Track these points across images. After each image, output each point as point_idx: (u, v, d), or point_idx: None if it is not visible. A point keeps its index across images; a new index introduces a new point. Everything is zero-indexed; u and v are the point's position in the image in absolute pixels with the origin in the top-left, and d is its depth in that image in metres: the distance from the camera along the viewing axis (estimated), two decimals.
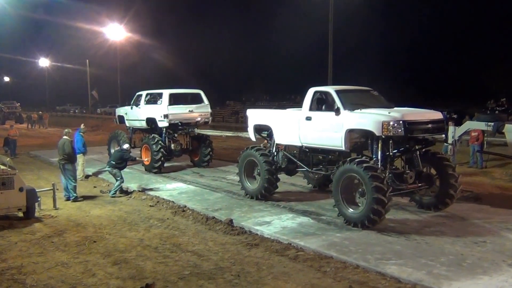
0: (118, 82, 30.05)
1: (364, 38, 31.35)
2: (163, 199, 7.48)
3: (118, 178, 7.95)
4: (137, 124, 11.01)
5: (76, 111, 45.29)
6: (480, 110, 20.55)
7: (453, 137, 10.39)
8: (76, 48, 41.74)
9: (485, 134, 10.76)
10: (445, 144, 11.04)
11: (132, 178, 9.61)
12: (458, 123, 11.94)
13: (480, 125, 9.76)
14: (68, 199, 7.52)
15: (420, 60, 33.19)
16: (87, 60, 37.10)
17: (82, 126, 9.60)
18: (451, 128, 10.69)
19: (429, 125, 5.96)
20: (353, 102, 6.20)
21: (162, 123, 9.99)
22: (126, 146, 8.43)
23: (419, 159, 6.27)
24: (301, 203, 7.03)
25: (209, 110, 10.56)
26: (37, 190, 6.64)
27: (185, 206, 6.94)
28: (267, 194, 7.17)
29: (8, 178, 6.15)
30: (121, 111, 11.91)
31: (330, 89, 6.43)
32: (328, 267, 4.45)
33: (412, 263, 4.45)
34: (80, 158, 9.04)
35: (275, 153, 7.37)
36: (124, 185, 8.71)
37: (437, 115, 6.22)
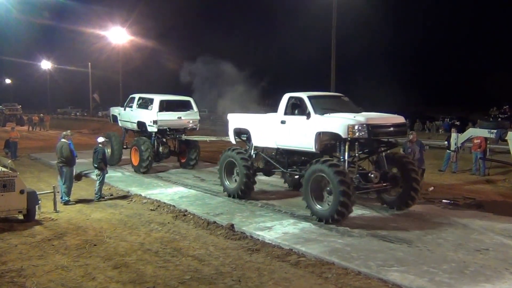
0: (120, 85, 30.24)
1: (368, 45, 31.61)
2: (164, 203, 7.49)
3: (98, 180, 7.85)
4: (129, 125, 11.57)
5: (78, 113, 45.51)
6: (483, 117, 20.59)
7: (455, 144, 10.41)
8: (78, 50, 42.14)
9: (488, 141, 10.78)
10: (448, 151, 11.08)
11: (133, 181, 9.65)
12: (461, 130, 11.96)
13: (483, 132, 9.78)
14: (66, 203, 7.49)
15: (424, 67, 33.39)
16: (89, 63, 37.43)
17: (68, 132, 9.36)
18: (453, 135, 10.71)
19: (391, 129, 6.48)
20: (324, 107, 6.73)
21: (152, 128, 10.55)
22: (100, 139, 8.10)
23: (385, 161, 6.76)
24: (303, 208, 6.97)
25: (198, 117, 11.09)
26: (37, 193, 6.65)
27: (186, 211, 6.94)
28: (245, 193, 7.60)
29: (9, 180, 6.17)
30: (115, 111, 12.46)
31: (303, 95, 6.91)
32: (329, 273, 4.44)
33: (414, 270, 4.45)
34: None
35: (254, 155, 7.81)
36: (125, 189, 8.76)
37: (399, 119, 6.74)
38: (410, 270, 4.44)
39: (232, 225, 6.03)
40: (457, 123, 18.85)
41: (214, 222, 6.26)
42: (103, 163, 7.95)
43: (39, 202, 6.64)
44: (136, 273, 4.49)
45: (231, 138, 8.31)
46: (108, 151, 11.11)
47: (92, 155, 8.14)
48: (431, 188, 8.66)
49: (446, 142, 11.38)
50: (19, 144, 14.54)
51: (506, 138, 8.96)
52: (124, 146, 11.52)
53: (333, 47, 18.15)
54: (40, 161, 13.17)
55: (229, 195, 7.77)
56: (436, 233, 5.71)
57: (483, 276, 4.30)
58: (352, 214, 6.58)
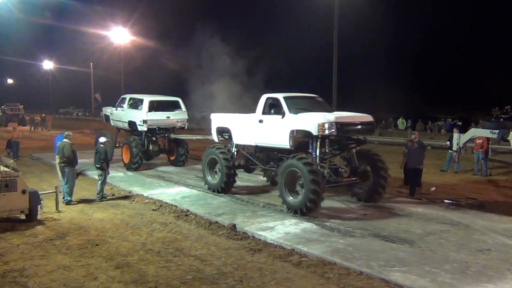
0: (122, 85, 30.29)
1: (370, 44, 31.54)
2: (166, 203, 7.49)
3: (100, 180, 7.88)
4: (120, 125, 12.15)
5: (79, 114, 45.59)
6: (485, 118, 20.49)
7: (457, 144, 10.38)
8: (80, 50, 42.23)
9: (490, 142, 10.75)
10: (450, 151, 11.05)
11: (135, 181, 9.66)
12: (463, 130, 11.93)
13: (485, 133, 9.76)
14: (68, 203, 7.51)
15: (426, 67, 33.29)
16: (91, 63, 37.50)
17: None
18: (455, 135, 10.69)
19: (359, 126, 6.96)
20: (298, 107, 7.18)
21: (142, 127, 11.08)
22: (101, 139, 8.17)
23: (355, 157, 7.27)
24: None
25: (186, 116, 11.62)
26: (39, 193, 6.67)
27: (188, 210, 6.95)
28: (226, 188, 8.07)
29: (11, 180, 6.19)
30: (107, 110, 13.04)
31: (279, 96, 7.37)
32: (331, 273, 4.44)
33: (416, 270, 4.45)
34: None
35: (235, 152, 8.27)
36: (127, 189, 8.77)
37: (367, 118, 7.23)
38: (412, 270, 4.43)
39: (234, 225, 6.04)
40: (459, 123, 18.75)
41: (216, 222, 6.27)
42: (105, 164, 7.98)
43: (41, 202, 6.65)
44: (138, 273, 4.49)
45: (214, 136, 8.78)
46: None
47: (94, 155, 8.15)
48: (433, 188, 8.64)
49: (448, 142, 11.36)
50: (21, 144, 14.59)
51: (508, 138, 8.95)
52: (116, 145, 12.01)
53: (335, 47, 18.13)
54: (42, 161, 13.21)
55: (211, 190, 8.26)
56: (438, 233, 5.70)
57: (485, 277, 4.29)
58: (353, 215, 6.67)
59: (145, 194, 8.22)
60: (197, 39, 11.86)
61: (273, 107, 7.43)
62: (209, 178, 8.40)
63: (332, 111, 7.60)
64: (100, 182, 7.94)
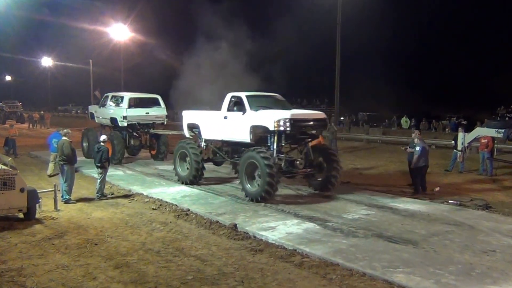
0: (122, 83, 30.26)
1: (373, 42, 31.36)
2: (166, 202, 7.48)
3: (100, 179, 7.89)
4: (104, 121, 13.07)
5: (78, 111, 45.55)
6: (490, 117, 20.39)
7: (462, 144, 10.34)
8: (79, 47, 42.14)
9: (495, 141, 10.69)
10: (455, 150, 11.01)
11: (135, 180, 9.66)
12: (468, 129, 11.88)
13: (490, 132, 9.72)
14: (67, 202, 7.51)
15: (430, 64, 33.06)
16: (90, 60, 37.46)
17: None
18: (460, 135, 10.65)
19: (312, 123, 7.82)
20: (258, 105, 7.99)
21: (122, 123, 11.99)
22: (102, 137, 8.27)
23: (311, 150, 8.12)
24: (307, 208, 7.01)
25: (165, 113, 12.54)
26: (38, 191, 6.65)
27: (189, 210, 6.94)
28: (195, 180, 8.85)
29: (9, 178, 6.16)
30: (92, 109, 14.10)
31: (242, 94, 8.18)
32: (334, 274, 4.43)
33: (420, 271, 4.43)
34: (52, 156, 9.79)
35: (204, 147, 9.11)
36: (127, 188, 8.76)
37: (320, 115, 8.15)
38: (416, 272, 4.42)
39: (235, 225, 6.03)
40: (464, 122, 18.72)
41: (217, 222, 6.26)
42: (107, 163, 7.99)
43: (40, 200, 6.64)
44: (138, 273, 4.48)
45: (185, 132, 9.57)
46: (85, 145, 12.77)
47: (94, 154, 8.14)
48: (437, 189, 8.62)
49: (453, 142, 11.31)
50: (18, 142, 14.59)
51: None
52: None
53: (338, 44, 18.04)
54: (41, 159, 13.18)
55: (182, 182, 9.00)
56: (442, 234, 5.68)
57: (490, 278, 4.27)
58: (357, 215, 6.65)
59: (145, 193, 8.21)
60: (195, 35, 12.01)
61: (236, 105, 8.21)
62: (179, 169, 9.17)
63: (289, 108, 8.26)
64: (99, 180, 7.94)
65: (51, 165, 10.18)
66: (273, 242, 5.41)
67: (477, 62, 30.24)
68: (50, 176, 10.06)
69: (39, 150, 14.98)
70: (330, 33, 19.23)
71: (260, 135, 7.79)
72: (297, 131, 7.58)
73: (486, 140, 10.48)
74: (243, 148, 8.04)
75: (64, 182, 7.61)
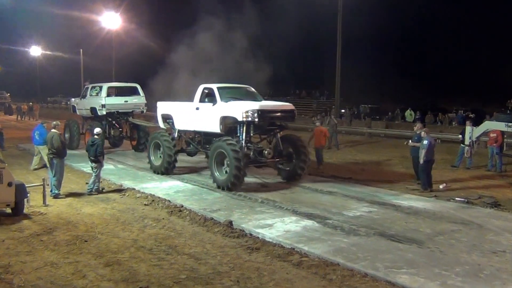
0: (113, 73, 30.02)
1: (376, 31, 30.89)
2: (159, 197, 7.46)
3: (95, 174, 7.86)
4: (85, 113, 13.66)
5: (68, 103, 45.17)
6: (499, 110, 20.29)
7: (470, 138, 10.28)
8: (70, 37, 41.67)
9: (505, 136, 10.63)
10: (462, 145, 10.95)
11: (127, 175, 9.65)
12: (476, 123, 11.79)
13: (500, 126, 9.64)
14: (55, 196, 7.47)
15: (435, 55, 32.67)
16: (81, 50, 37.09)
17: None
18: (468, 129, 10.55)
19: (279, 114, 8.46)
20: (229, 96, 8.50)
21: (101, 112, 12.58)
22: (97, 130, 8.25)
23: (279, 140, 8.74)
24: (306, 205, 6.99)
25: (144, 101, 13.08)
26: (26, 185, 6.61)
27: (182, 206, 6.92)
28: (167, 170, 9.35)
29: None
30: (74, 101, 14.76)
31: (213, 86, 8.72)
32: (334, 274, 4.40)
33: (425, 272, 4.40)
34: (42, 150, 9.62)
35: (178, 137, 9.65)
36: (118, 183, 8.70)
37: (288, 106, 8.76)
38: (421, 273, 4.39)
39: (231, 222, 6.01)
40: (472, 115, 18.61)
41: (212, 219, 6.24)
42: (102, 157, 7.96)
43: (28, 195, 6.60)
44: (129, 271, 4.46)
45: (160, 123, 10.06)
46: (67, 136, 13.25)
47: (88, 147, 8.06)
48: (443, 185, 8.59)
49: (460, 136, 11.25)
50: (6, 134, 14.51)
51: None
52: (82, 132, 13.53)
53: (339, 32, 17.81)
54: (29, 151, 13.09)
55: (155, 172, 9.52)
56: (448, 233, 5.66)
57: (499, 280, 4.25)
58: (358, 212, 6.63)
59: (137, 188, 8.19)
60: (188, 25, 12.03)
61: (208, 96, 8.75)
62: (152, 158, 9.70)
63: (260, 100, 8.79)
64: (94, 175, 7.90)
65: (35, 159, 10.18)
66: (270, 240, 5.39)
67: (485, 52, 29.82)
68: (34, 169, 10.01)
69: (27, 142, 14.83)
70: (331, 20, 18.97)
71: (230, 125, 8.30)
72: (265, 122, 8.14)
73: (495, 135, 10.42)
74: (214, 139, 8.48)
75: (53, 176, 7.56)
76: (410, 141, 9.11)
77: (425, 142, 8.22)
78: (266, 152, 8.32)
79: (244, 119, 7.85)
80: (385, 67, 31.42)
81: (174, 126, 9.65)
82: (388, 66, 31.67)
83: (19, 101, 38.07)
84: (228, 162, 7.75)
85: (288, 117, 8.56)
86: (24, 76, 53.12)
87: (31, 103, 32.23)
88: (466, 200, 7.46)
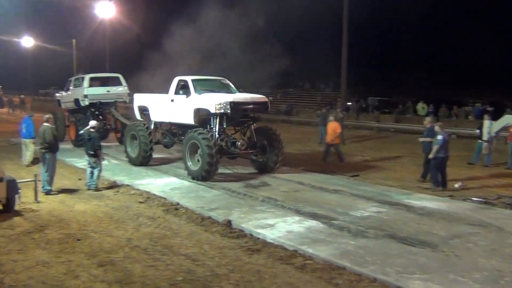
0: (108, 65, 30.00)
1: (385, 18, 30.28)
2: (154, 195, 7.46)
3: (97, 168, 7.88)
4: (69, 105, 14.03)
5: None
6: None
7: (488, 133, 10.09)
8: (63, 27, 41.60)
9: None
10: (479, 141, 10.77)
11: (121, 170, 9.66)
12: (495, 117, 11.56)
13: None
14: (47, 193, 7.48)
15: (450, 43, 32.01)
16: (73, 40, 37.08)
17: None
18: (486, 123, 10.38)
19: (251, 106, 8.86)
20: (203, 88, 8.96)
21: (84, 102, 12.99)
22: (92, 123, 8.27)
23: (253, 132, 9.17)
24: (310, 204, 6.93)
25: (127, 91, 13.44)
26: (17, 181, 6.63)
27: (178, 204, 6.91)
28: (144, 162, 9.85)
29: None
30: (58, 95, 15.22)
31: (188, 78, 9.16)
32: (340, 279, 4.35)
33: (440, 278, 4.32)
34: (30, 144, 10.01)
35: (154, 129, 10.08)
36: (112, 179, 8.69)
37: (261, 99, 9.10)
38: (435, 279, 4.31)
39: (230, 221, 5.97)
40: (490, 108, 18.27)
41: (209, 218, 6.21)
42: (100, 150, 7.96)
43: (19, 191, 6.62)
44: (123, 272, 4.47)
45: (136, 114, 10.46)
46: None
47: (85, 141, 8.04)
48: (459, 184, 8.45)
49: (477, 131, 11.07)
50: None
51: None
52: (66, 125, 14.06)
53: (345, 19, 17.48)
54: (21, 146, 13.19)
55: (132, 163, 9.96)
56: (465, 236, 5.56)
57: None
58: (366, 212, 6.56)
59: (131, 185, 8.20)
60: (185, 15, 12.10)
61: (182, 88, 9.14)
62: (129, 149, 10.15)
63: (234, 92, 9.17)
64: (96, 170, 7.90)
65: (29, 154, 10.16)
66: (272, 241, 5.35)
67: (504, 39, 29.01)
68: (27, 164, 10.02)
69: (19, 136, 14.94)
70: (337, 6, 18.59)
71: (204, 117, 8.75)
72: (237, 114, 8.54)
73: None
74: (189, 130, 8.83)
75: (46, 172, 7.56)
76: (422, 136, 8.96)
77: (439, 137, 8.08)
78: (239, 143, 8.69)
79: (217, 111, 8.27)
80: (396, 56, 30.88)
81: (150, 117, 10.07)
82: (399, 55, 31.12)
83: (10, 94, 38.26)
84: (201, 153, 8.14)
85: (261, 109, 9.02)
86: (15, 68, 53.31)
87: (22, 96, 32.37)
88: (484, 200, 7.34)
